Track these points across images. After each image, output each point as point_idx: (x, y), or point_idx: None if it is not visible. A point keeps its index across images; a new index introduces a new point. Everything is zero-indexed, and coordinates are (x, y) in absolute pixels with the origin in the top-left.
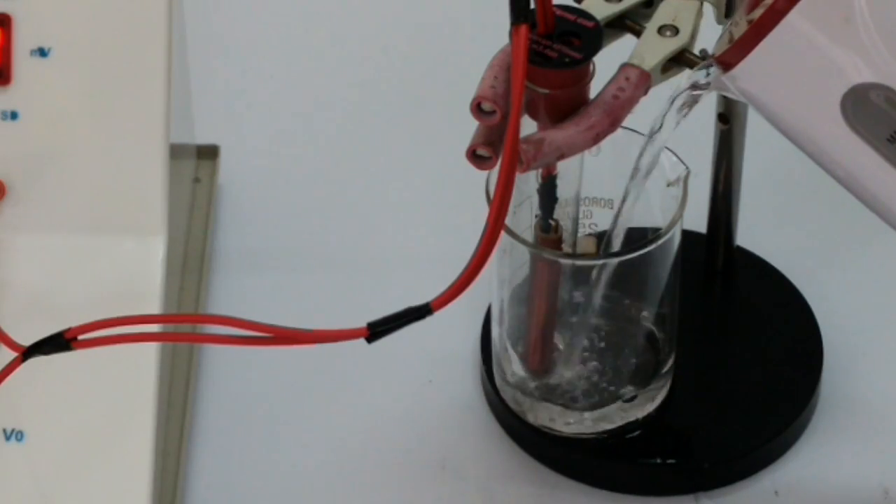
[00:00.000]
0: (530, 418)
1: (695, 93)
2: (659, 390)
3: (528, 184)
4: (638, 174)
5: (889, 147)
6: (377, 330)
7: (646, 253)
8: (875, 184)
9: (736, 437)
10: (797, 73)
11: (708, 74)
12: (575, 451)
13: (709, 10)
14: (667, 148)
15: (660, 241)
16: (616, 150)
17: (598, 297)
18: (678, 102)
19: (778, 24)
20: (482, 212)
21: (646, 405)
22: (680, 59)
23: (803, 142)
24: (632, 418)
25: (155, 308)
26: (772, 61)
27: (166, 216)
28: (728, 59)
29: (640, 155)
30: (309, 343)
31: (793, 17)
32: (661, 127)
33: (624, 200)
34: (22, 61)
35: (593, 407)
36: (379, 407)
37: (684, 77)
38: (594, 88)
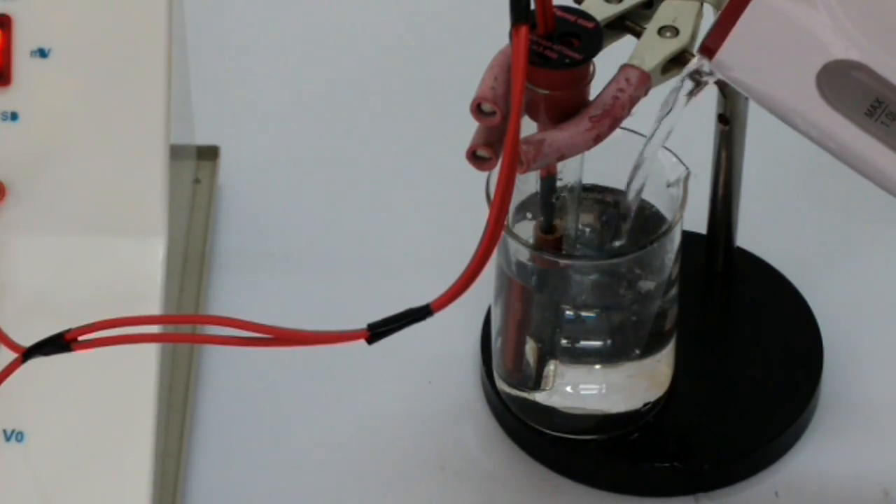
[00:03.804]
0: (536, 397)
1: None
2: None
3: (527, 184)
4: (643, 164)
5: (868, 121)
6: (377, 331)
7: (646, 253)
8: (864, 156)
9: (736, 437)
10: (774, 53)
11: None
12: (575, 452)
13: (709, 11)
14: (667, 149)
15: (660, 242)
16: (616, 150)
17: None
18: (685, 88)
19: (750, 3)
20: (482, 212)
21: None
22: (680, 60)
23: (790, 121)
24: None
25: (155, 309)
26: (749, 42)
27: (166, 217)
28: (710, 44)
29: (649, 139)
30: (309, 344)
31: None
32: (672, 108)
33: (629, 186)
34: (22, 62)
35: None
36: (379, 407)
37: (685, 70)
38: (594, 89)
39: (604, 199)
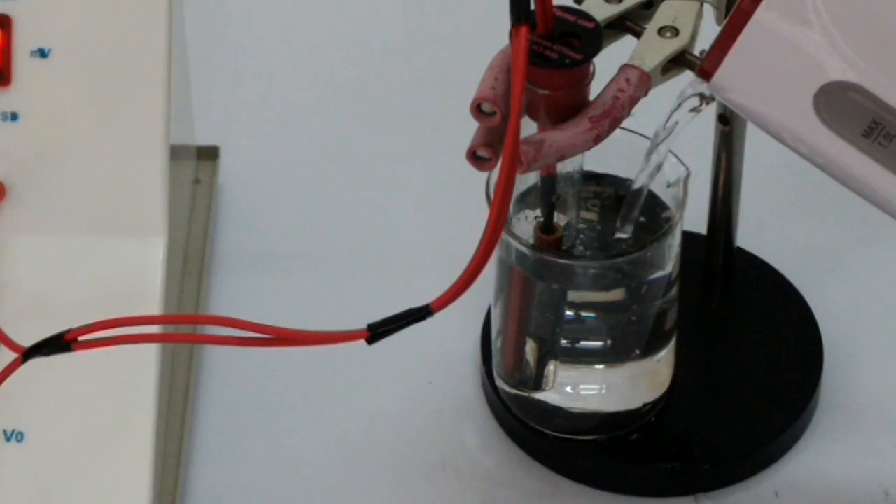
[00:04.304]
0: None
1: (701, 103)
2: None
3: (528, 185)
4: (646, 171)
5: (865, 142)
6: (377, 331)
7: (645, 253)
8: (862, 176)
9: (736, 438)
10: (771, 74)
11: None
12: (575, 452)
13: (709, 12)
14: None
15: (660, 242)
16: (616, 150)
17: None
18: (687, 105)
19: (747, 25)
20: (482, 212)
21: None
22: (680, 61)
23: (787, 142)
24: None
25: (155, 309)
26: (746, 65)
27: (167, 217)
28: (707, 67)
29: (650, 153)
30: (309, 344)
31: (760, 14)
32: (675, 124)
33: (635, 197)
34: (22, 62)
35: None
36: (379, 408)
37: (688, 87)
38: (594, 89)
39: (604, 192)
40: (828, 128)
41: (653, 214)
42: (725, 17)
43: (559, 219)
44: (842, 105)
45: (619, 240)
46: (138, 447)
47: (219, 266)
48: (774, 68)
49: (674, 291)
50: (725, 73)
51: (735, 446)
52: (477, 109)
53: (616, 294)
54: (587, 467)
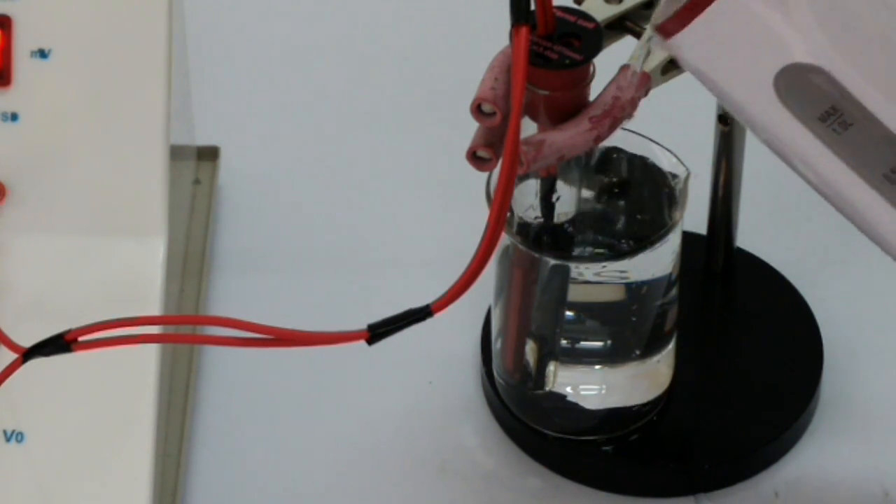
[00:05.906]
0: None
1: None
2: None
3: (528, 185)
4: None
5: (819, 126)
6: (377, 332)
7: (645, 254)
8: (808, 158)
9: (736, 438)
10: (735, 48)
11: (649, 41)
12: (575, 452)
13: None
14: (667, 149)
15: (660, 242)
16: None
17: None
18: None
19: None
20: (482, 212)
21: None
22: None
23: (741, 116)
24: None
25: (155, 309)
26: (711, 33)
27: (166, 217)
28: (670, 26)
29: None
30: (309, 344)
31: None
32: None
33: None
34: (22, 63)
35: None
36: (379, 408)
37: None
38: (594, 90)
39: (605, 183)
40: (784, 106)
41: (653, 214)
42: None
43: (560, 218)
44: (803, 87)
45: (620, 233)
46: (138, 447)
47: (219, 266)
48: (741, 41)
49: (674, 291)
50: (688, 35)
51: (735, 446)
52: (477, 110)
53: (616, 294)
54: (587, 467)
